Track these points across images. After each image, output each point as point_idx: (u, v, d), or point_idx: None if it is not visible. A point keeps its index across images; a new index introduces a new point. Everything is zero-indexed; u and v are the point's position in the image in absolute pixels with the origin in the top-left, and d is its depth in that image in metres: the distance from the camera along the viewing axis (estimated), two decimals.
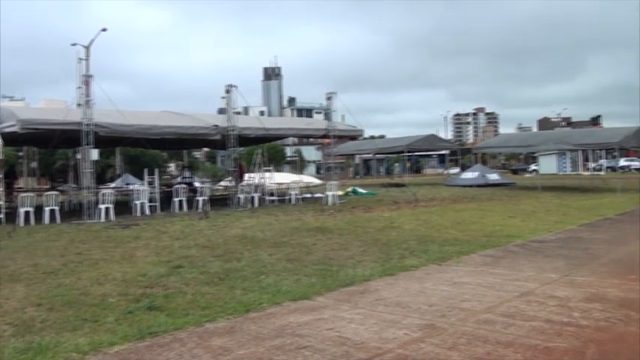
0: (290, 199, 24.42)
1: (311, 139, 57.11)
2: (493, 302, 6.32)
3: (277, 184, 26.97)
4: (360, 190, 30.81)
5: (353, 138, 34.60)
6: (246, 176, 26.72)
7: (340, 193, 25.85)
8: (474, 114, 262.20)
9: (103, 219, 18.02)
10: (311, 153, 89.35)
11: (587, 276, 7.73)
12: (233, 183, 23.86)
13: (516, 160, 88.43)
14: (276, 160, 62.88)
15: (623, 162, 62.98)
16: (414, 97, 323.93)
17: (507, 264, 8.75)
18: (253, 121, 24.58)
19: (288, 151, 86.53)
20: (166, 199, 21.99)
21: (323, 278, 7.73)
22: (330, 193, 23.08)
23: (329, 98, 24.77)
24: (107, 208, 18.52)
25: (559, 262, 8.83)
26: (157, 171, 24.41)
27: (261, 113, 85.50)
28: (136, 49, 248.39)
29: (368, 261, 9.07)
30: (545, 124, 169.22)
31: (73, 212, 20.86)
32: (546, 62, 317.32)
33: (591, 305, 6.12)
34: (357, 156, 67.67)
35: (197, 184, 27.06)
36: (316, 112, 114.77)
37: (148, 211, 20.10)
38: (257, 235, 12.71)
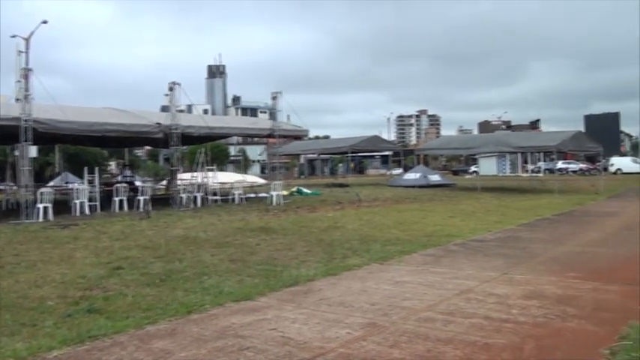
0: (233, 199, 24.23)
1: (256, 139, 56.79)
2: (434, 300, 6.42)
3: (220, 183, 26.70)
4: (305, 190, 30.86)
5: (298, 138, 34.63)
6: (189, 175, 26.37)
7: (285, 193, 25.83)
8: (417, 116, 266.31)
9: (41, 219, 17.46)
10: (255, 152, 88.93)
11: (526, 274, 7.91)
12: (166, 183, 23.42)
13: (457, 161, 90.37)
14: (220, 160, 62.30)
15: (560, 164, 65.12)
16: (358, 98, 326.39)
17: (448, 263, 8.89)
18: (197, 120, 24.25)
19: (232, 151, 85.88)
20: (107, 199, 21.48)
21: (266, 279, 7.69)
22: (274, 193, 23.01)
23: (274, 98, 24.72)
24: (46, 208, 17.95)
25: (498, 260, 9.03)
26: (97, 169, 23.80)
27: (205, 112, 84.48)
28: (77, 43, 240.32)
29: (312, 261, 9.07)
30: (485, 126, 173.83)
31: (10, 212, 20.18)
32: (487, 67, 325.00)
33: (529, 302, 6.28)
34: (302, 156, 67.71)
35: (138, 183, 26.53)
36: (261, 112, 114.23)
37: (87, 211, 19.60)
38: (199, 236, 12.55)
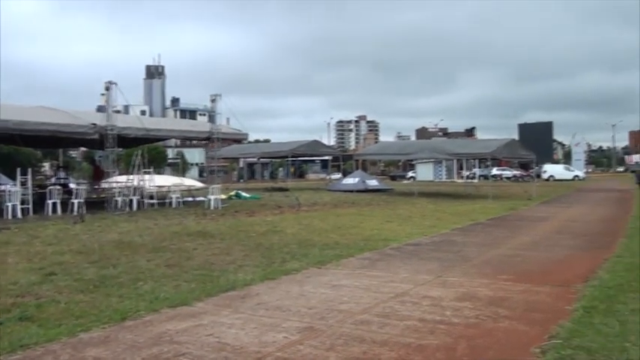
0: (171, 203, 23.83)
1: (194, 142, 56.09)
2: (370, 303, 6.51)
3: (158, 186, 26.20)
4: (244, 194, 30.66)
5: (237, 141, 34.37)
6: (124, 178, 25.77)
7: (223, 196, 25.57)
8: (356, 121, 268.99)
9: None
10: (194, 155, 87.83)
11: (459, 277, 8.12)
12: (82, 186, 22.74)
13: (395, 167, 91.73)
14: (157, 162, 61.20)
15: (495, 171, 66.99)
16: (298, 103, 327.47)
17: (384, 266, 9.02)
18: (134, 121, 23.72)
19: (170, 153, 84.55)
20: (40, 201, 20.73)
21: (203, 284, 7.61)
22: (212, 197, 22.77)
23: (213, 100, 24.46)
24: None
25: (433, 264, 9.22)
26: (30, 170, 22.93)
27: (143, 113, 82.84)
28: (8, 37, 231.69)
29: (250, 265, 9.03)
30: (422, 133, 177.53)
31: None
32: (423, 74, 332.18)
33: (462, 304, 6.45)
34: (242, 159, 67.29)
35: (73, 186, 25.72)
36: (200, 114, 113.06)
37: (19, 214, 18.86)
38: (135, 240, 12.29)
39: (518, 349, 4.90)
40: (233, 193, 30.35)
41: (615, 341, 4.99)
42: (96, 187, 27.76)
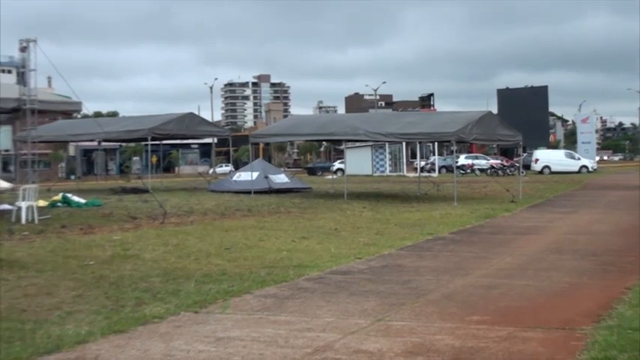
0: None
1: None
2: None
3: None
4: (76, 198, 29.97)
5: (66, 115, 33.66)
6: None
7: (43, 203, 24.99)
8: (254, 84, 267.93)
9: None
10: None
11: (410, 319, 8.31)
12: None
13: (315, 155, 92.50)
14: None
15: (463, 160, 68.47)
16: (154, 55, 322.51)
17: (296, 307, 9.13)
18: None
19: None
20: None
21: (8, 343, 7.42)
22: (24, 204, 22.14)
23: (24, 49, 23.81)
24: None
25: (370, 301, 9.38)
26: None
27: None
28: None
29: (85, 311, 8.93)
30: (355, 102, 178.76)
31: None
32: (345, 13, 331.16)
33: None
34: (73, 144, 65.94)
35: None
36: (3, 71, 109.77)
37: None
38: None
39: None
40: (58, 197, 29.65)
41: None
42: None
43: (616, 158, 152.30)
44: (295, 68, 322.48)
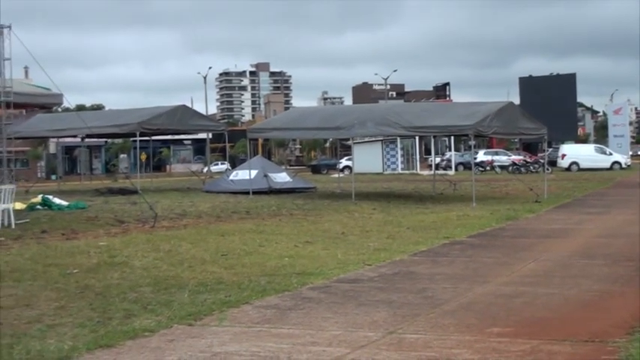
0: None
1: None
2: None
3: None
4: (58, 200, 29.87)
5: (45, 108, 33.32)
6: None
7: (20, 206, 25.04)
8: (252, 74, 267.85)
9: None
10: None
11: (424, 332, 8.22)
12: None
13: (319, 151, 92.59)
14: None
15: (482, 156, 68.30)
16: (134, 42, 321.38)
17: (300, 319, 9.07)
18: None
19: None
20: None
21: None
22: (0, 207, 21.84)
23: None
24: None
25: (381, 312, 9.26)
26: None
27: None
28: None
29: (69, 324, 8.84)
30: (364, 93, 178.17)
31: None
32: None
33: None
34: (54, 141, 66.00)
35: None
36: None
37: None
38: None
39: None
40: (38, 199, 29.46)
41: None
42: None
43: None
44: (295, 55, 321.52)
